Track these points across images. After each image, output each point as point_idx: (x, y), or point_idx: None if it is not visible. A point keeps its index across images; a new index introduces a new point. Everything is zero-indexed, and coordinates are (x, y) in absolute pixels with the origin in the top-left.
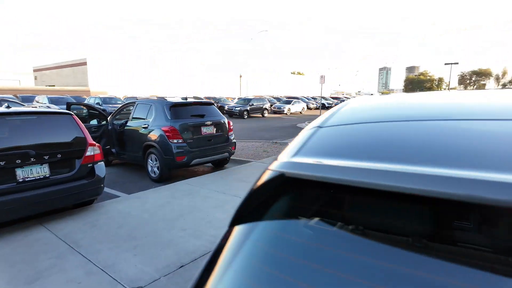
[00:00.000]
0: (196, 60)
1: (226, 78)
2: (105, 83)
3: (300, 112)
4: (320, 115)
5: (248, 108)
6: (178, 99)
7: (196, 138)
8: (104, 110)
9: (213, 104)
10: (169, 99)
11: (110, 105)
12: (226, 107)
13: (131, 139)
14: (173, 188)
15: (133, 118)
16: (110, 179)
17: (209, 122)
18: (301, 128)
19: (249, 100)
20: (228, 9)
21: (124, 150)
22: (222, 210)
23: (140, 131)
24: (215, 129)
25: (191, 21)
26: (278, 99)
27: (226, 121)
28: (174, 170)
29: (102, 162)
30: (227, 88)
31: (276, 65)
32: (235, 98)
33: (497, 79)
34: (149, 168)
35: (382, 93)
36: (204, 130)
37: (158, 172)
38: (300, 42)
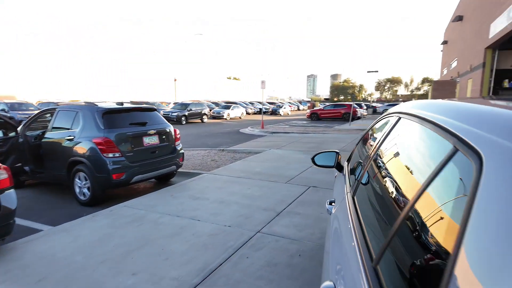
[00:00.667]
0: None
1: (160, 82)
2: (14, 85)
3: (240, 117)
4: (261, 120)
5: (187, 114)
6: (112, 105)
7: (137, 150)
8: (11, 118)
9: (155, 110)
10: (101, 105)
11: (20, 112)
12: (161, 112)
13: (52, 154)
14: (112, 214)
15: (53, 128)
16: (24, 206)
17: (152, 131)
18: (245, 134)
19: (186, 105)
20: (163, 8)
21: (41, 168)
22: (181, 240)
23: (63, 144)
24: (159, 138)
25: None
26: (217, 104)
27: (172, 129)
28: (109, 190)
29: (12, 190)
30: (162, 92)
31: (212, 69)
32: (170, 103)
33: (406, 86)
34: (77, 190)
35: (311, 99)
36: (147, 140)
37: (89, 193)
38: (234, 48)
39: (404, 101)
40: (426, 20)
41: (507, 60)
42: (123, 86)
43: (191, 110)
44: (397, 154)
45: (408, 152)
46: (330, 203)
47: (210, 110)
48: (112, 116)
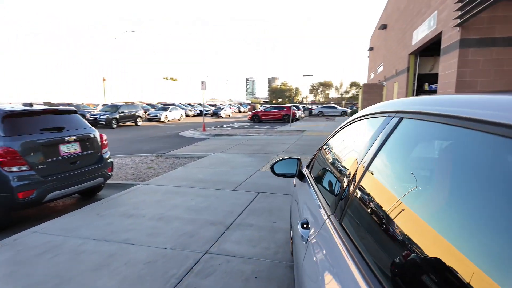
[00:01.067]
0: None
1: (86, 81)
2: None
3: (179, 120)
4: (203, 122)
5: (118, 116)
6: (17, 106)
7: (51, 162)
8: None
9: (75, 112)
10: (1, 106)
11: None
12: (87, 115)
13: None
14: (16, 245)
15: None
16: None
17: (71, 138)
18: (185, 137)
19: (118, 106)
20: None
21: None
22: (110, 273)
23: None
24: (81, 146)
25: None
26: (153, 105)
27: (97, 134)
28: (17, 212)
29: None
30: (90, 93)
31: (149, 69)
32: (98, 104)
33: (337, 89)
34: None
35: (251, 101)
36: (64, 149)
37: None
38: (172, 47)
39: (335, 103)
40: (354, 28)
41: (426, 65)
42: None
43: (123, 112)
44: (413, 165)
45: (434, 162)
46: (303, 226)
47: (145, 112)
48: (16, 121)
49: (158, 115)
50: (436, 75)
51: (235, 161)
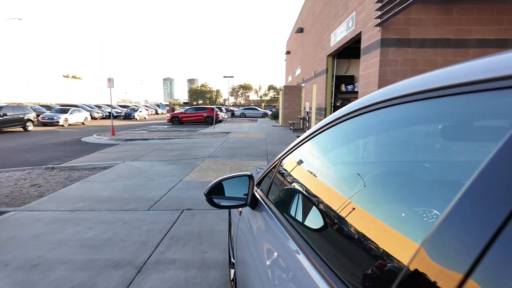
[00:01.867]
0: None
1: None
2: None
3: (83, 123)
4: (111, 125)
5: None
6: None
7: None
8: None
9: None
10: None
11: None
12: None
13: None
14: None
15: None
16: None
17: None
18: (89, 144)
19: None
20: None
21: None
22: None
23: None
24: None
25: None
26: (49, 107)
27: None
28: None
29: None
30: None
31: (46, 66)
32: None
33: (256, 91)
34: None
35: (170, 103)
36: None
37: None
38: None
39: (256, 105)
40: (270, 32)
41: (342, 67)
42: None
43: (5, 115)
44: None
45: None
46: None
47: (38, 116)
48: None
49: (55, 118)
50: (351, 77)
51: (152, 171)
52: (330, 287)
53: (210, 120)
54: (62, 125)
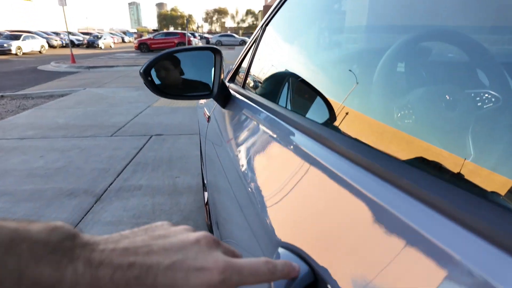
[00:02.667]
0: None
1: None
2: None
3: (40, 52)
4: (70, 52)
5: None
6: None
7: None
8: None
9: None
10: None
11: None
12: None
13: None
14: None
15: None
16: None
17: None
18: (46, 72)
19: None
20: None
21: None
22: None
23: None
24: None
25: None
26: None
27: None
28: None
29: None
30: None
31: None
32: None
33: (233, 17)
34: None
35: (138, 30)
36: None
37: None
38: None
39: (232, 32)
40: None
41: None
42: None
43: None
44: None
45: None
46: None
47: None
48: None
49: (5, 45)
50: None
51: (117, 97)
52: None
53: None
54: (16, 54)
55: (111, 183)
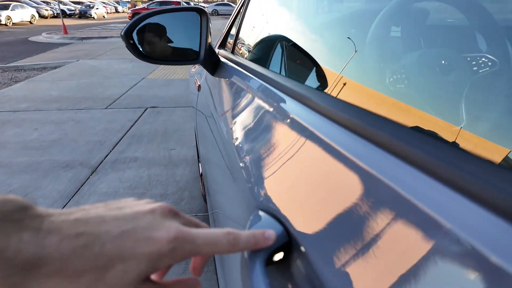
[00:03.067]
0: None
1: None
2: None
3: (30, 22)
4: (62, 22)
5: None
6: None
7: None
8: None
9: None
10: None
11: None
12: None
13: None
14: None
15: None
16: None
17: None
18: (38, 43)
19: None
20: None
21: None
22: None
23: None
24: None
25: None
26: None
27: None
28: None
29: None
30: None
31: None
32: None
33: None
34: None
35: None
36: None
37: None
38: None
39: (230, 1)
40: None
41: None
42: None
43: None
44: None
45: None
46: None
47: None
48: None
49: None
50: None
51: (111, 69)
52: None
53: None
54: (5, 24)
55: (107, 155)
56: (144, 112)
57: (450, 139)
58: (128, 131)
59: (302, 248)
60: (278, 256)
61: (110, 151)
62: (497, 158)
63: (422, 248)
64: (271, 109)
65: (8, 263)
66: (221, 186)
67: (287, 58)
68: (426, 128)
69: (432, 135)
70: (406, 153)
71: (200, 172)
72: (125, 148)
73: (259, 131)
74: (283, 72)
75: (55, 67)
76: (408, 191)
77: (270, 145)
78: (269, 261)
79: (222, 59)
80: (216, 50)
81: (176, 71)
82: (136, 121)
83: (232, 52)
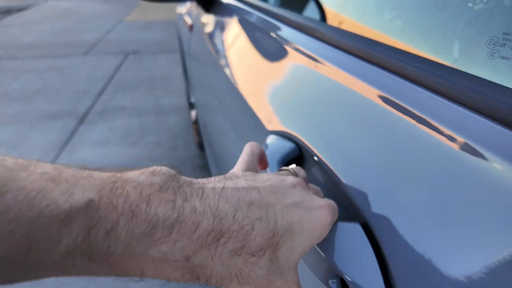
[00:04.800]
0: None
1: None
2: None
3: None
4: None
5: None
6: None
7: None
8: None
9: None
10: None
11: None
12: None
13: None
14: None
15: None
16: None
17: None
18: None
19: None
20: None
21: None
22: None
23: None
24: None
25: None
26: None
27: None
28: None
29: None
30: None
31: None
32: None
33: None
34: None
35: None
36: None
37: None
38: None
39: None
40: None
41: None
42: None
43: None
44: None
45: None
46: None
47: None
48: None
49: None
50: None
51: (85, 11)
52: None
53: None
54: None
55: (94, 104)
56: (126, 58)
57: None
58: (112, 79)
59: (315, 158)
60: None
61: (96, 100)
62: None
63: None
64: (274, 42)
65: (189, 235)
66: (227, 131)
67: None
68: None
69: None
70: (400, 68)
71: (193, 119)
72: (111, 97)
73: (265, 68)
74: (283, 4)
75: (21, 9)
76: (400, 99)
77: (276, 75)
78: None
79: None
80: None
81: (156, 11)
82: (119, 68)
83: None
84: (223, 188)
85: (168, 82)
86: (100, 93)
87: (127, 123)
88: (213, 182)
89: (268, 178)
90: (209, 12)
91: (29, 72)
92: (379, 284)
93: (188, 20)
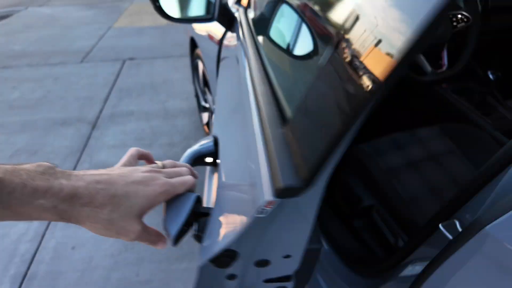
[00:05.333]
0: None
1: None
2: None
3: None
4: None
5: None
6: None
7: None
8: None
9: None
10: None
11: None
12: None
13: None
14: None
15: None
16: None
17: None
18: None
19: None
20: None
21: None
22: None
23: None
24: None
25: None
26: None
27: None
28: None
29: None
30: None
31: None
32: None
33: None
34: None
35: None
36: None
37: None
38: None
39: None
40: None
41: None
42: None
43: None
44: None
45: None
46: None
47: None
48: None
49: None
50: None
51: (70, 18)
52: None
53: None
54: None
55: (101, 110)
56: (123, 64)
57: None
58: (113, 85)
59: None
60: (208, 159)
61: (103, 106)
62: None
63: None
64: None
65: (56, 196)
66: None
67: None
68: None
69: None
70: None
71: (205, 122)
72: (117, 102)
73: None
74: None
75: (2, 17)
76: None
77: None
78: (202, 161)
79: (235, 11)
80: (232, 6)
81: (143, 17)
82: (118, 75)
83: (246, 9)
84: (83, 174)
85: (170, 87)
86: (106, 99)
87: (138, 126)
88: (83, 172)
89: (128, 169)
90: (230, 30)
91: (27, 80)
92: (178, 227)
93: (213, 36)
